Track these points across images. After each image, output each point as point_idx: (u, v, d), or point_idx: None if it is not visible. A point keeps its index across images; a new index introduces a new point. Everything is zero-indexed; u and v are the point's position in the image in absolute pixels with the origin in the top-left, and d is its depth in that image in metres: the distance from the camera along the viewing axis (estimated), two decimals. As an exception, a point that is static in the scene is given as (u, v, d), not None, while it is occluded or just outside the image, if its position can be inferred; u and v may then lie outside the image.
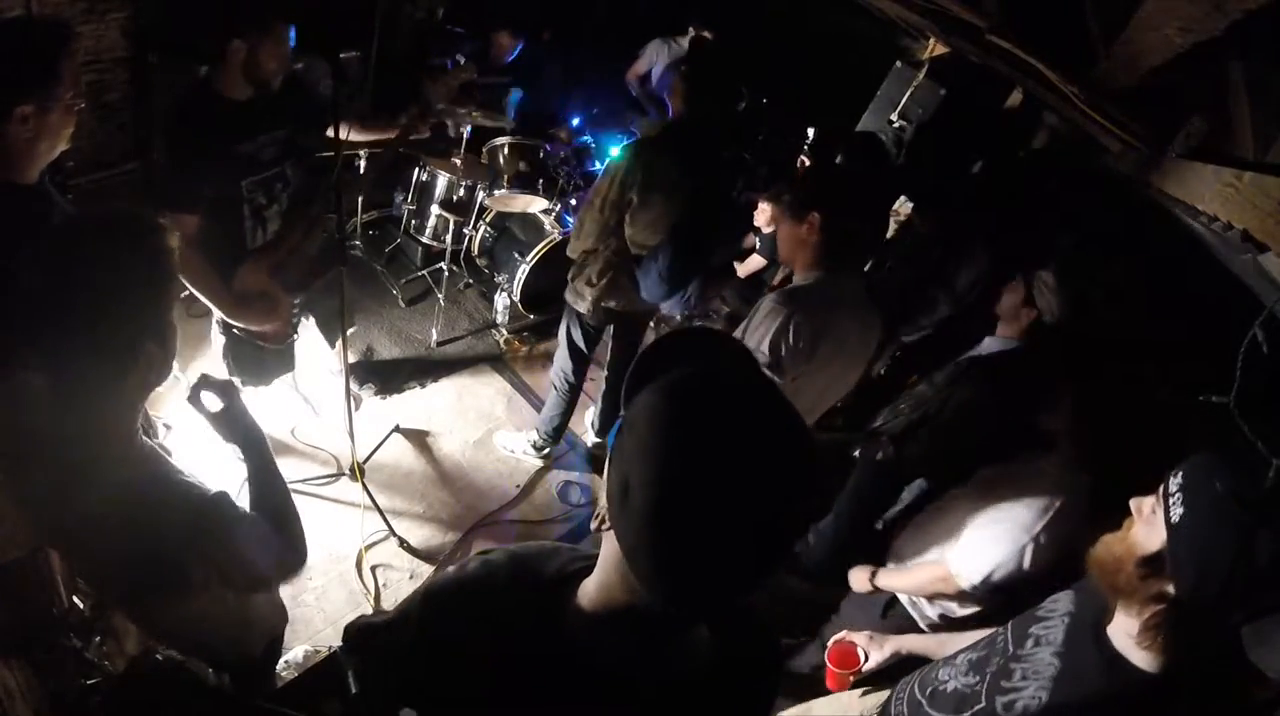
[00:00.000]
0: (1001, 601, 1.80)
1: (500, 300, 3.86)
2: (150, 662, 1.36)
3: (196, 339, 3.20)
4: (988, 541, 1.73)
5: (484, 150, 3.76)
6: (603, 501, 0.75)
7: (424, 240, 3.90)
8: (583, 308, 2.80)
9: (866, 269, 3.22)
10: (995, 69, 2.78)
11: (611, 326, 2.99)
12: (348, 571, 2.67)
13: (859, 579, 2.05)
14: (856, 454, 2.52)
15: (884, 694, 1.68)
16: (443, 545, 2.85)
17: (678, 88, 2.51)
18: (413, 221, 3.90)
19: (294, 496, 1.58)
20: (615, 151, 3.37)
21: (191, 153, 2.01)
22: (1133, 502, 1.16)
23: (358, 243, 4.09)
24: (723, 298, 3.95)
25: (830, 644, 1.76)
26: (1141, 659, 1.11)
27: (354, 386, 3.30)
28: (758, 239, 3.59)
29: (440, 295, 3.76)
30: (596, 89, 4.71)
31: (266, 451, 1.43)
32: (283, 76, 2.12)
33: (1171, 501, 1.05)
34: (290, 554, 1.39)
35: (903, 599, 2.00)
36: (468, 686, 0.85)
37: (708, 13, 4.51)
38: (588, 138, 4.16)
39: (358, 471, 2.66)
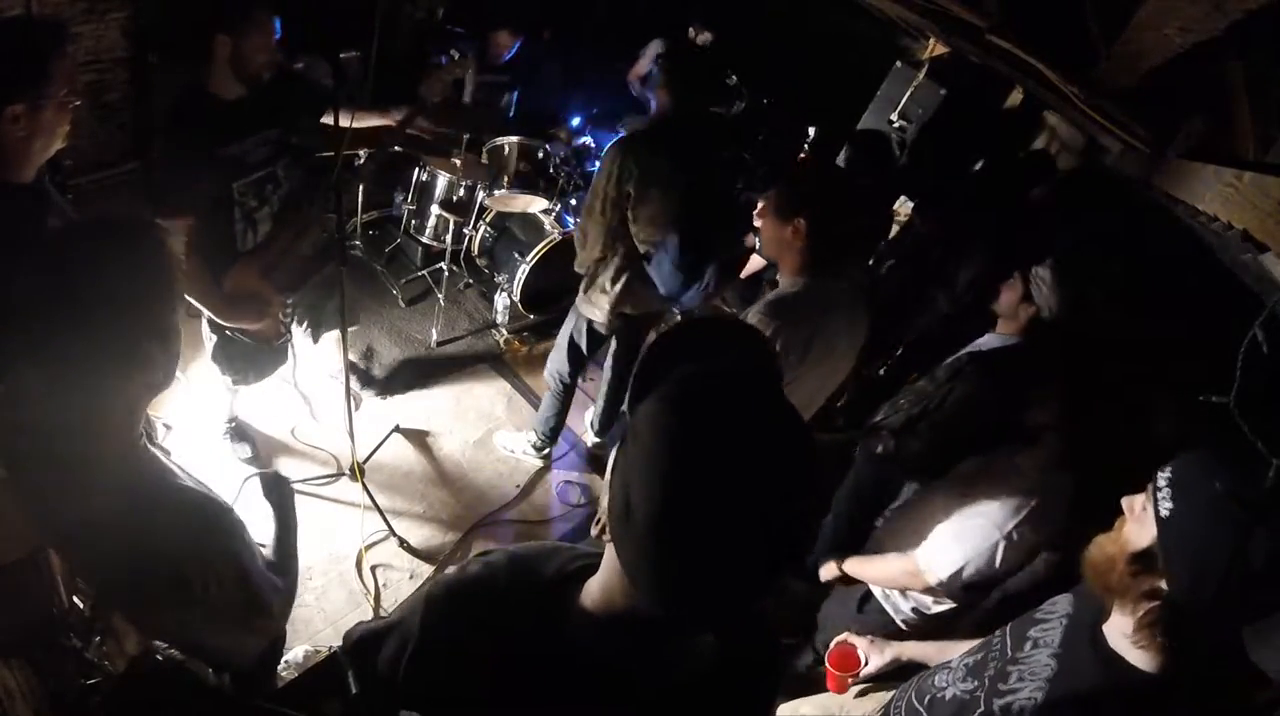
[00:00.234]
0: (975, 598, 1.81)
1: (500, 300, 3.86)
2: (150, 662, 1.35)
3: (197, 339, 3.20)
4: (957, 538, 1.73)
5: (484, 150, 3.76)
6: (603, 507, 0.75)
7: (424, 240, 3.90)
8: (598, 315, 2.79)
9: (868, 267, 3.22)
10: (995, 69, 2.78)
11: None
12: (348, 571, 2.67)
13: (828, 569, 2.04)
14: (857, 452, 2.52)
15: (879, 697, 1.68)
16: (443, 545, 2.85)
17: (660, 79, 2.52)
18: (413, 221, 3.90)
19: (294, 497, 1.58)
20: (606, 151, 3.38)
21: (184, 154, 2.01)
22: (1124, 501, 1.16)
23: (358, 242, 4.09)
24: (723, 298, 3.95)
25: (831, 646, 1.74)
26: (1138, 658, 1.11)
27: (356, 386, 3.31)
28: (758, 239, 3.59)
29: (440, 295, 3.76)
30: (596, 89, 4.71)
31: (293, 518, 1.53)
32: (274, 73, 2.11)
33: (1160, 496, 1.06)
34: (285, 583, 1.40)
35: (876, 593, 1.99)
36: (469, 688, 0.84)
37: (708, 13, 4.51)
38: (588, 138, 4.16)
39: (358, 471, 2.66)
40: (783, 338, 1.75)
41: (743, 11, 4.70)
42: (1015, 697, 1.19)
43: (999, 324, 2.20)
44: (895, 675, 1.67)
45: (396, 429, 3.16)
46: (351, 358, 3.24)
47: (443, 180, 3.67)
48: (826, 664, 1.73)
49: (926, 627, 1.88)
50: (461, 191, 3.67)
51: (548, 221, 3.73)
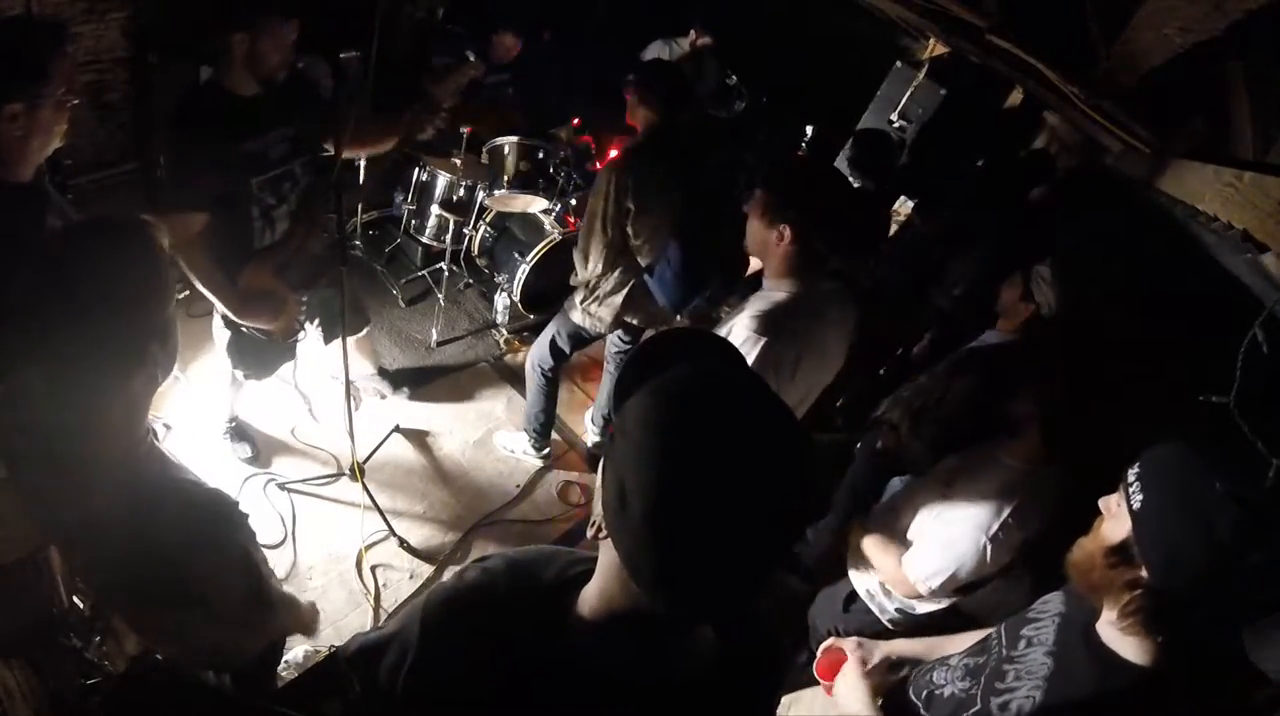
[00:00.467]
0: (969, 596, 1.80)
1: (500, 300, 3.86)
2: (150, 662, 1.36)
3: (197, 339, 3.21)
4: (944, 547, 1.71)
5: (484, 150, 3.76)
6: (598, 509, 0.75)
7: (424, 240, 3.90)
8: (598, 327, 2.78)
9: (867, 267, 3.22)
10: (995, 69, 2.78)
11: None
12: (348, 571, 2.67)
13: (855, 532, 1.99)
14: (857, 448, 2.52)
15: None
16: (443, 545, 2.85)
17: (637, 105, 2.52)
18: (413, 221, 3.90)
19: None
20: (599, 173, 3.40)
21: (197, 150, 2.00)
22: (1101, 502, 1.18)
23: (358, 242, 4.09)
24: (728, 303, 3.95)
25: (819, 654, 1.71)
26: (1131, 652, 1.13)
27: (376, 388, 3.31)
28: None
29: (440, 295, 3.76)
30: (597, 89, 4.71)
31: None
32: (288, 71, 2.10)
33: (1131, 490, 1.08)
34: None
35: (861, 593, 1.99)
36: (470, 697, 0.84)
37: (708, 13, 4.51)
38: (588, 138, 4.16)
39: (358, 471, 2.66)
40: (774, 353, 1.70)
41: (743, 11, 4.70)
42: (1013, 696, 1.20)
43: (999, 322, 2.21)
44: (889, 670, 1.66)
45: (396, 429, 3.16)
46: (365, 361, 3.26)
47: (443, 180, 3.67)
48: (815, 673, 1.69)
49: (913, 627, 1.88)
50: (461, 191, 3.67)
51: (548, 221, 3.73)
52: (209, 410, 2.88)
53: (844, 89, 4.32)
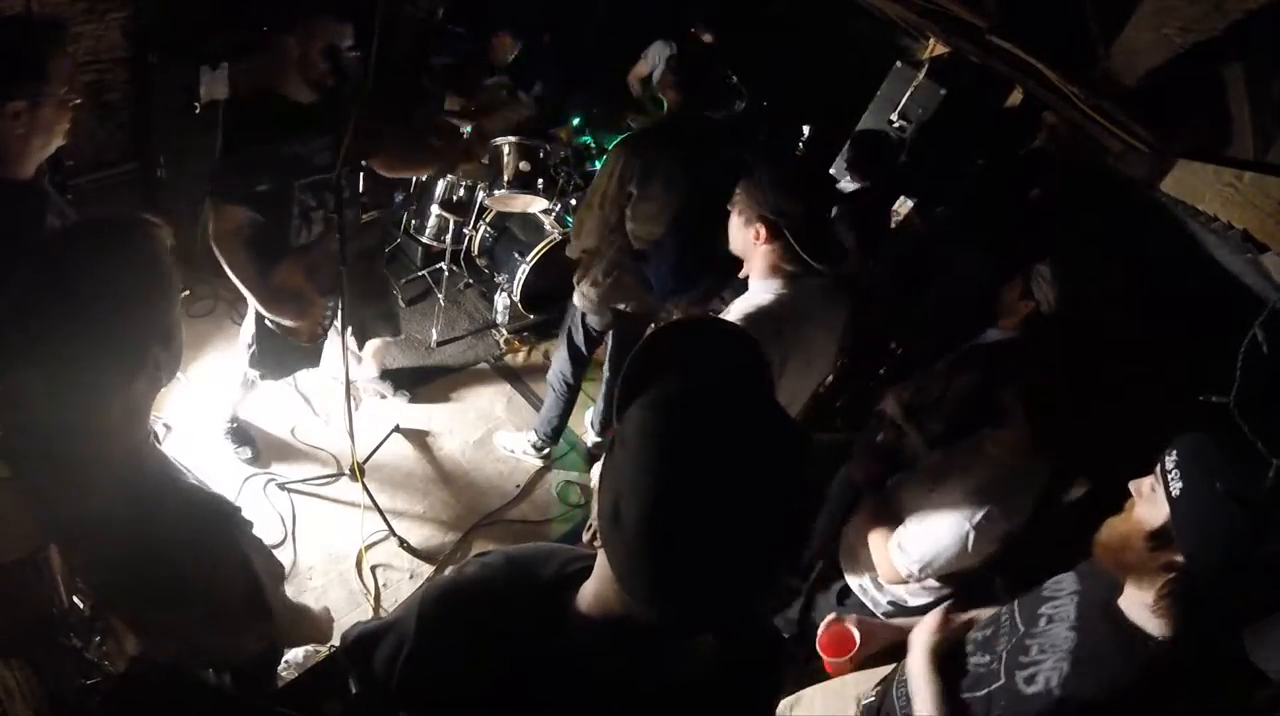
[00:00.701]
0: (953, 588, 1.81)
1: (500, 300, 3.86)
2: (150, 662, 1.36)
3: (197, 339, 3.21)
4: (926, 531, 1.72)
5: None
6: (594, 513, 0.74)
7: (424, 240, 3.89)
8: (588, 309, 2.79)
9: (865, 267, 3.22)
10: (995, 69, 2.78)
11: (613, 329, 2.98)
12: (348, 571, 2.67)
13: (865, 507, 1.98)
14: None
15: (878, 672, 1.68)
16: (443, 545, 2.85)
17: (669, 81, 2.52)
18: (413, 221, 3.90)
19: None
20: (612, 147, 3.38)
21: (246, 147, 2.06)
22: (1132, 485, 1.22)
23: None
24: (721, 297, 3.94)
25: (821, 629, 1.69)
26: (1155, 627, 1.17)
27: (376, 389, 3.31)
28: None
29: (440, 295, 3.76)
30: (596, 89, 4.71)
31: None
32: (339, 77, 2.08)
33: (1170, 477, 1.12)
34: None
35: (854, 587, 1.99)
36: (465, 691, 0.84)
37: (709, 14, 4.51)
38: (588, 138, 4.16)
39: (358, 471, 2.66)
40: None
41: (743, 11, 4.70)
42: (1039, 668, 1.24)
43: (999, 321, 2.21)
44: (889, 655, 1.68)
45: (396, 429, 3.16)
46: (374, 364, 3.26)
47: (443, 180, 3.67)
48: (819, 650, 1.67)
49: (898, 616, 1.88)
50: (461, 191, 3.67)
51: (548, 221, 3.73)
52: (211, 410, 2.88)
53: (844, 89, 4.32)
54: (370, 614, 2.57)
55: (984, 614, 1.59)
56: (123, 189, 3.36)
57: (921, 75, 3.83)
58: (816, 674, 1.81)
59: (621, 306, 2.75)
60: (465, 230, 3.77)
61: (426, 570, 2.75)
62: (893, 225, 3.71)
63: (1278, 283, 1.87)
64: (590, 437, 3.42)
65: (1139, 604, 1.19)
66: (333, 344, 2.72)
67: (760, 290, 1.79)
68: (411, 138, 2.47)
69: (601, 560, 0.76)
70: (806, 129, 4.36)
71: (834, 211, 2.01)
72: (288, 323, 2.29)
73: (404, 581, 2.71)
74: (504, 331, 3.89)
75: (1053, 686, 1.20)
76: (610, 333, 3.02)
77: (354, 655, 0.96)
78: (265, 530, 2.66)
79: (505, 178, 3.63)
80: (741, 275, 1.90)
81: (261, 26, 2.04)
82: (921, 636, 1.51)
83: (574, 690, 0.78)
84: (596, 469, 0.77)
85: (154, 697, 1.26)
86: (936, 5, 2.13)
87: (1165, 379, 1.89)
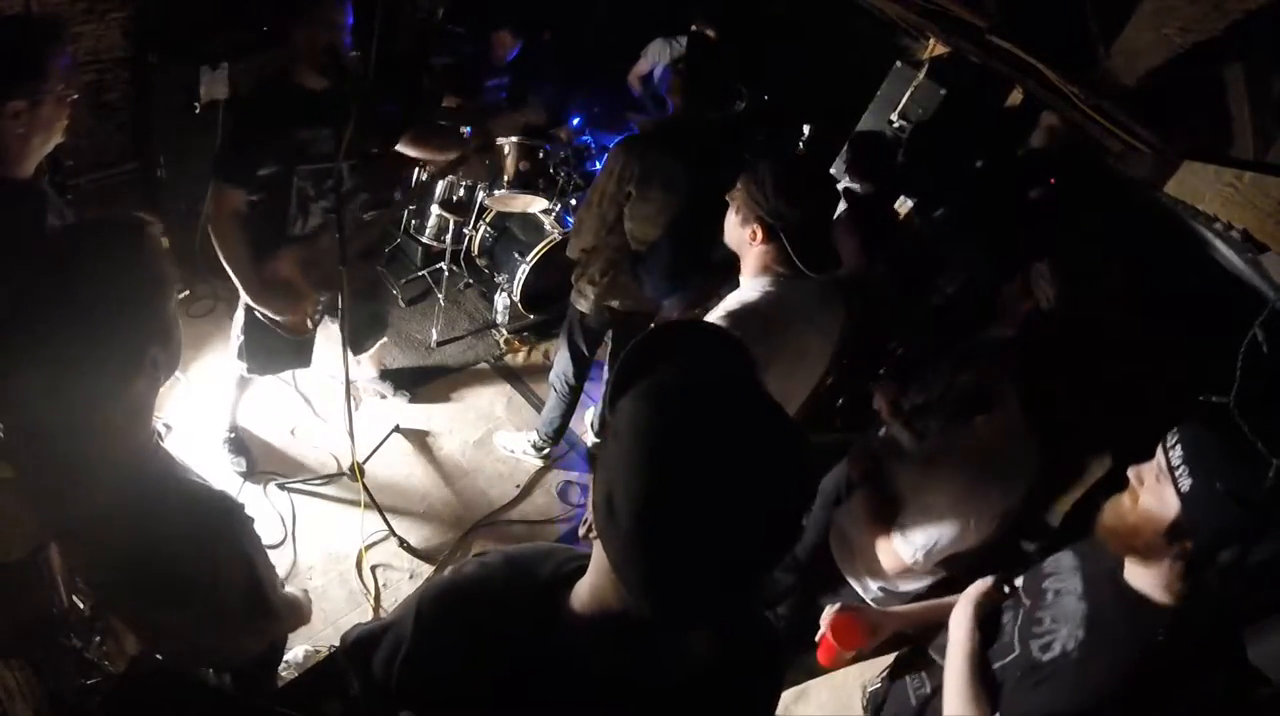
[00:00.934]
0: (956, 570, 1.83)
1: (500, 300, 3.86)
2: (150, 662, 1.36)
3: (197, 339, 3.21)
4: (927, 518, 1.73)
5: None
6: (589, 508, 0.75)
7: (424, 240, 3.89)
8: (585, 307, 2.79)
9: (868, 269, 3.21)
10: (995, 69, 2.78)
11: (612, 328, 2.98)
12: (348, 571, 2.67)
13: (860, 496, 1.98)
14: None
15: (881, 662, 1.70)
16: (443, 545, 2.85)
17: (676, 84, 2.52)
18: (413, 221, 3.90)
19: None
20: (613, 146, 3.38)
21: (253, 130, 2.07)
22: (1131, 472, 1.26)
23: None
24: (720, 296, 3.94)
25: (832, 614, 1.66)
26: (1163, 596, 1.22)
27: (376, 389, 3.31)
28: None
29: (440, 295, 3.76)
30: (596, 89, 4.71)
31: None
32: (344, 61, 2.11)
33: (1178, 473, 1.15)
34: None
35: (849, 577, 2.00)
36: (463, 690, 0.84)
37: (708, 13, 4.51)
38: (588, 138, 4.16)
39: (358, 471, 2.66)
40: None
41: (743, 11, 4.70)
42: (1054, 638, 1.29)
43: (999, 320, 2.21)
44: (892, 644, 1.69)
45: (396, 429, 3.16)
46: (372, 366, 3.26)
47: (443, 180, 3.67)
48: (827, 631, 1.64)
49: (891, 604, 1.88)
50: (461, 191, 3.67)
51: (548, 221, 3.73)
52: (210, 413, 2.88)
53: (844, 89, 4.31)
54: (370, 614, 2.57)
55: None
56: (123, 189, 3.36)
57: (921, 75, 3.82)
58: (815, 668, 1.80)
59: (616, 305, 2.75)
60: (465, 230, 3.77)
61: (426, 570, 2.75)
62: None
63: (1278, 283, 1.87)
64: (590, 437, 3.42)
65: (1145, 577, 1.24)
66: (327, 344, 2.73)
67: (749, 288, 1.77)
68: (430, 124, 2.48)
69: (598, 553, 0.76)
70: (806, 129, 4.36)
71: (836, 214, 1.99)
72: (275, 315, 2.29)
73: (404, 581, 2.71)
74: (504, 331, 3.89)
75: (1070, 651, 1.25)
76: (608, 330, 3.02)
77: (353, 655, 0.97)
78: (265, 530, 2.66)
79: (505, 178, 3.64)
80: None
81: (261, 26, 2.04)
82: (965, 604, 1.52)
83: (572, 687, 0.78)
84: (598, 469, 0.77)
85: (154, 697, 1.26)
86: (936, 5, 2.13)
87: (1165, 378, 1.89)
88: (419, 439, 3.23)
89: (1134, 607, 1.24)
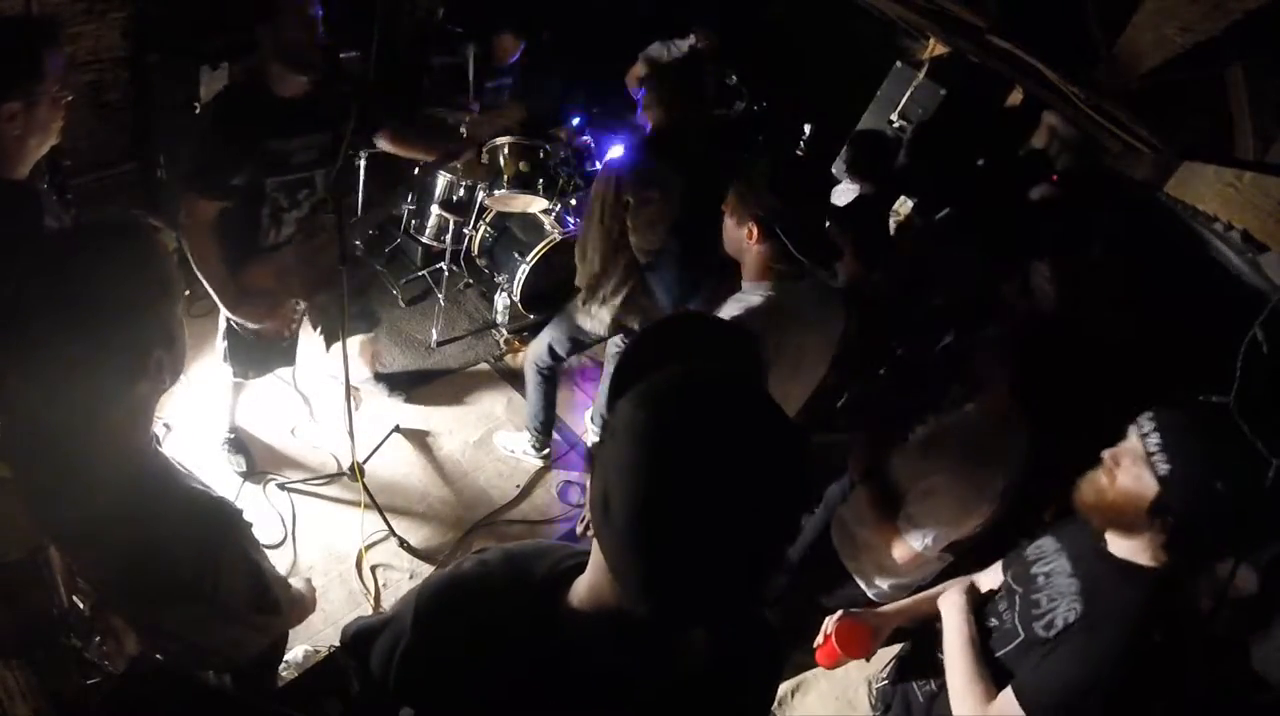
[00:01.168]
0: (958, 554, 1.85)
1: (500, 300, 3.85)
2: (150, 662, 1.36)
3: (198, 339, 3.20)
4: (929, 505, 1.74)
5: (484, 150, 3.76)
6: (587, 507, 0.75)
7: (424, 240, 3.89)
8: (598, 328, 2.77)
9: (865, 274, 3.21)
10: (995, 69, 2.78)
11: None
12: (348, 571, 2.67)
13: (861, 489, 2.00)
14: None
15: (885, 654, 1.73)
16: (443, 545, 2.85)
17: (649, 101, 2.52)
18: (413, 221, 3.90)
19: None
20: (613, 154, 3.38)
21: (224, 141, 2.03)
22: (1106, 454, 1.32)
23: (358, 242, 4.08)
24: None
25: (835, 622, 1.69)
26: (1148, 560, 1.29)
27: (379, 391, 3.31)
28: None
29: (440, 295, 3.76)
30: (596, 89, 4.71)
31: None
32: (328, 64, 2.09)
33: (1155, 459, 1.21)
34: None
35: (853, 572, 2.00)
36: (460, 686, 0.84)
37: (708, 14, 4.51)
38: (588, 138, 4.16)
39: (358, 471, 2.66)
40: None
41: (743, 12, 4.70)
42: (1054, 614, 1.34)
43: (998, 319, 2.21)
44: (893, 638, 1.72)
45: (396, 429, 3.16)
46: (364, 365, 3.25)
47: (443, 180, 3.67)
48: (832, 637, 1.66)
49: (900, 598, 1.89)
50: (461, 191, 3.67)
51: (548, 221, 3.73)
52: (210, 414, 2.88)
53: (844, 89, 4.32)
54: (370, 614, 2.57)
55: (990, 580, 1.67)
56: (123, 189, 3.36)
57: (921, 75, 3.83)
58: (811, 663, 1.81)
59: (633, 323, 2.72)
60: (465, 230, 3.77)
61: (426, 570, 2.75)
62: (893, 225, 3.71)
63: (1278, 282, 1.87)
64: (590, 437, 3.42)
65: (1128, 547, 1.30)
66: (316, 345, 2.73)
67: (751, 292, 1.78)
68: (415, 123, 2.47)
69: (595, 552, 0.76)
70: (807, 129, 4.36)
71: (827, 217, 1.99)
72: (251, 323, 2.27)
73: (404, 581, 2.70)
74: (504, 331, 3.89)
75: (1072, 622, 1.30)
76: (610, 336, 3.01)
77: (352, 650, 0.97)
78: (265, 530, 2.66)
79: (505, 178, 3.64)
80: None
81: (249, 26, 2.02)
82: (953, 596, 1.58)
83: (569, 684, 0.78)
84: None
85: (154, 697, 1.26)
86: (936, 5, 2.13)
87: (1166, 378, 1.90)
88: (419, 439, 3.23)
89: (1124, 572, 1.30)
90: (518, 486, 3.16)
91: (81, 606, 1.43)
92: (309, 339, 2.65)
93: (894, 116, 3.95)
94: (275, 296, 2.26)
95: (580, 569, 0.83)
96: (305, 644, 2.36)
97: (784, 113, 4.56)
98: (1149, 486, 1.22)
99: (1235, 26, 1.38)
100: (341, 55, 3.48)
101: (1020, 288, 2.12)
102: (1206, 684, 1.35)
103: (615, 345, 3.05)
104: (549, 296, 3.75)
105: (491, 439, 3.31)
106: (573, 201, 3.78)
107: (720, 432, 0.67)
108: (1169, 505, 1.21)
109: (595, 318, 2.76)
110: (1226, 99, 1.72)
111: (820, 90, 4.46)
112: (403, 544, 2.78)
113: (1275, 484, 1.06)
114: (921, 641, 1.68)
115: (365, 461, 2.80)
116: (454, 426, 3.35)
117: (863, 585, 1.98)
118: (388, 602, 2.62)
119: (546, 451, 3.25)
